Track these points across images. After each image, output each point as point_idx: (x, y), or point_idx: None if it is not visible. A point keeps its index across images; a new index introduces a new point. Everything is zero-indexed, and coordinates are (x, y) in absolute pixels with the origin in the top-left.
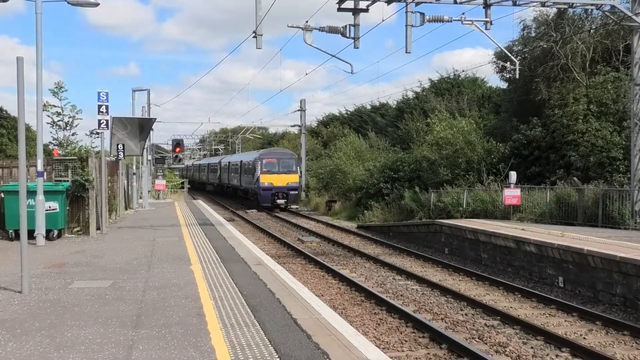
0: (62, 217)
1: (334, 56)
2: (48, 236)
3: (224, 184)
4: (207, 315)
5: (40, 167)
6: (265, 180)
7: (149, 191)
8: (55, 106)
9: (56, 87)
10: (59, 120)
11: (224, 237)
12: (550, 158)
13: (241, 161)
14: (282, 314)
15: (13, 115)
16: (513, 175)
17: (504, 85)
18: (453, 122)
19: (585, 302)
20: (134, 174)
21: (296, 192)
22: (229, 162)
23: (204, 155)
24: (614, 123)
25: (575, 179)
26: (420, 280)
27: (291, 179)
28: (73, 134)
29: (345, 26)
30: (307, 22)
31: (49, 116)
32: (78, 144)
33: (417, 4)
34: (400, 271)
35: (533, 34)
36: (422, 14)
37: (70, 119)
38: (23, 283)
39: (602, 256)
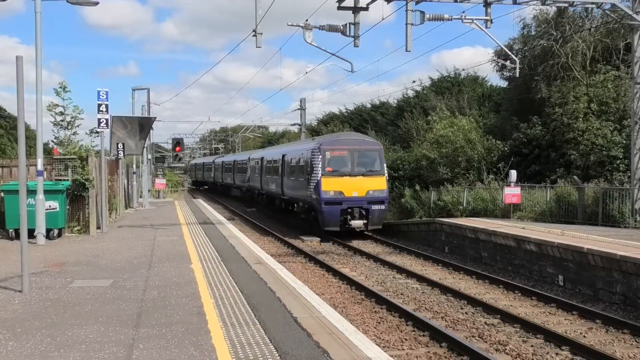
0: (62, 216)
1: (334, 55)
2: (48, 235)
3: (254, 189)
4: (207, 314)
5: (40, 166)
6: (331, 186)
7: (149, 190)
8: (59, 105)
9: (60, 87)
10: (61, 120)
11: (224, 236)
12: (550, 157)
13: (283, 156)
14: (282, 313)
15: (13, 115)
16: (513, 174)
17: (504, 83)
18: (453, 120)
19: (585, 300)
20: (134, 173)
21: (383, 207)
22: (263, 159)
23: (205, 154)
24: (614, 122)
25: (575, 177)
26: (421, 278)
27: (375, 184)
28: (74, 133)
29: (345, 24)
30: (307, 20)
31: (52, 116)
32: (78, 143)
33: (417, 2)
34: (400, 270)
35: (533, 33)
36: (422, 13)
37: (73, 119)
38: (23, 282)
39: (602, 255)
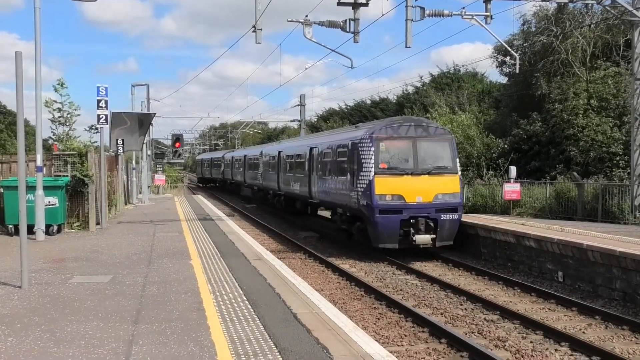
0: (62, 212)
1: (333, 50)
2: (48, 231)
3: (269, 188)
4: (207, 310)
5: (39, 162)
6: (387, 189)
7: (148, 186)
8: (57, 102)
9: (58, 84)
10: (59, 117)
11: (223, 232)
12: (550, 153)
13: (311, 150)
14: (281, 309)
15: (12, 110)
16: (513, 170)
17: (504, 80)
18: (453, 116)
19: (584, 296)
20: (133, 169)
21: (456, 217)
22: (280, 154)
23: (204, 150)
24: (614, 118)
25: (575, 173)
26: (420, 274)
27: (445, 186)
28: (72, 129)
29: (345, 20)
30: (306, 16)
31: (50, 112)
32: (77, 140)
33: None
34: (399, 266)
35: (533, 29)
36: (422, 8)
37: (69, 115)
38: (23, 278)
39: (601, 251)
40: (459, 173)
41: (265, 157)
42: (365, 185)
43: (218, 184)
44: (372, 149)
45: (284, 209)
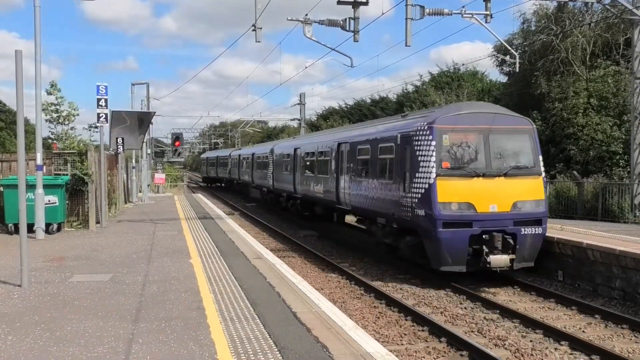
0: (62, 210)
1: (333, 49)
2: (47, 230)
3: (282, 190)
4: (206, 309)
5: (39, 161)
6: (453, 195)
7: (148, 185)
8: (53, 104)
9: (51, 87)
10: (57, 117)
11: (223, 231)
12: (549, 152)
13: (339, 145)
14: (281, 308)
15: (12, 109)
16: None
17: (503, 78)
18: None
19: (584, 295)
20: (133, 167)
21: (540, 230)
22: (297, 152)
23: (205, 149)
24: (614, 117)
25: (574, 172)
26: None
27: (526, 191)
28: (72, 128)
29: (345, 19)
30: (306, 15)
31: (47, 114)
32: (77, 138)
33: None
34: (398, 264)
35: (533, 28)
36: (422, 7)
37: (68, 114)
38: (22, 277)
39: (601, 250)
40: (543, 174)
41: (277, 155)
42: (422, 191)
43: (224, 184)
44: (433, 143)
45: (300, 213)
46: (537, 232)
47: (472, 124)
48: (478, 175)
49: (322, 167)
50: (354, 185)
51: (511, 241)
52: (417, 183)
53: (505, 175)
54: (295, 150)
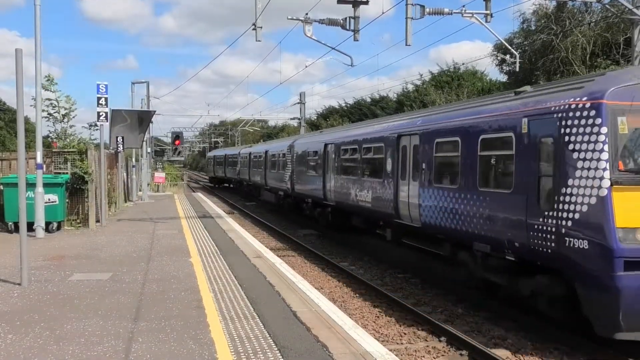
0: (62, 209)
1: (333, 49)
2: (47, 228)
3: (305, 195)
4: (206, 308)
5: (39, 160)
6: (638, 216)
7: (148, 184)
8: (50, 99)
9: (47, 81)
10: (55, 112)
11: (223, 230)
12: None
13: (398, 138)
14: (281, 307)
15: (12, 108)
16: None
17: (503, 78)
18: None
19: None
20: (133, 166)
21: None
22: (327, 148)
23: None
24: None
25: None
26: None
27: None
28: (71, 126)
29: (345, 18)
30: (307, 14)
31: (44, 109)
32: (77, 137)
33: None
34: (399, 263)
35: (533, 27)
36: (422, 7)
37: (66, 111)
38: (22, 275)
39: None
40: None
41: (298, 152)
42: (582, 208)
43: (233, 185)
44: (603, 129)
45: (330, 224)
46: None
47: None
48: None
49: (370, 168)
50: (428, 195)
51: None
52: (569, 195)
53: None
54: (325, 146)
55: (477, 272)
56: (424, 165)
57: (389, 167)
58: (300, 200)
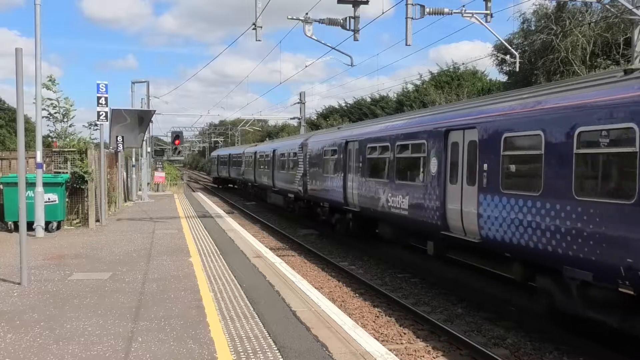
0: (62, 209)
1: (334, 48)
2: (47, 228)
3: (320, 199)
4: (206, 308)
5: (39, 159)
6: None
7: (148, 183)
8: (50, 99)
9: (49, 81)
10: (55, 113)
11: (223, 230)
12: None
13: (465, 131)
14: (281, 306)
15: (12, 107)
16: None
17: (503, 78)
18: None
19: None
20: (133, 166)
21: None
22: (349, 145)
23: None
24: None
25: None
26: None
27: None
28: (70, 126)
29: (345, 18)
30: (307, 14)
31: (45, 109)
32: (77, 136)
33: None
34: (398, 264)
35: (533, 28)
36: (422, 7)
37: (66, 111)
38: (22, 275)
39: None
40: None
41: (312, 151)
42: None
43: (238, 186)
44: None
45: (351, 232)
46: None
47: None
48: None
49: (406, 169)
50: (492, 203)
51: None
52: None
53: None
54: (346, 144)
55: (570, 305)
56: (485, 166)
57: (433, 167)
58: (315, 204)
